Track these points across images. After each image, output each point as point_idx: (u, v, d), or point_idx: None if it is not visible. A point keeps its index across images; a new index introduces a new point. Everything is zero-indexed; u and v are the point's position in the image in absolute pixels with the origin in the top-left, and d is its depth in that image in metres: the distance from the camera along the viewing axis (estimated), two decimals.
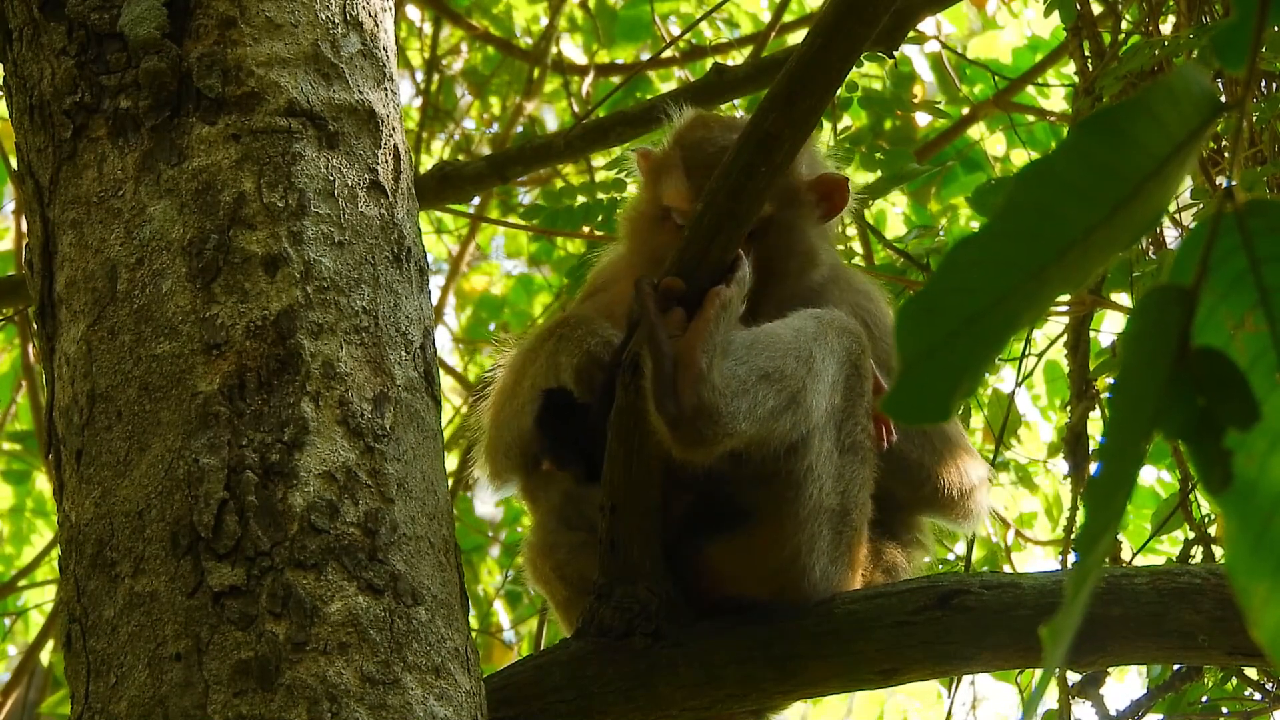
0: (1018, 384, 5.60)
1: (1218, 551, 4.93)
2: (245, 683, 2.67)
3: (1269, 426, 1.40)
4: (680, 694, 3.34)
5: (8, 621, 8.11)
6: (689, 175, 3.54)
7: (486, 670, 3.15)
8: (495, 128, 8.29)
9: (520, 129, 7.88)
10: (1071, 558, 5.26)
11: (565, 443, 3.48)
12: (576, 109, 7.57)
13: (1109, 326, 5.79)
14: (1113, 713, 4.94)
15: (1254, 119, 4.82)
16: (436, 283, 8.18)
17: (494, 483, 3.69)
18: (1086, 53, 5.43)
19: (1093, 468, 5.28)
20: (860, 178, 6.27)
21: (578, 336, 3.44)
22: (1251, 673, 4.79)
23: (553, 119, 8.62)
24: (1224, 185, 1.38)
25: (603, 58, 8.07)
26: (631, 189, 3.84)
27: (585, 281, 3.92)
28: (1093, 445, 5.30)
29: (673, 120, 3.73)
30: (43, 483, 7.99)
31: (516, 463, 3.61)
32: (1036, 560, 6.87)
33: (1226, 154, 4.94)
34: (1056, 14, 5.45)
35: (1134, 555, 5.43)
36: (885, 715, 7.21)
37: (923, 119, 6.79)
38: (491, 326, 8.46)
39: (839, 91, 4.53)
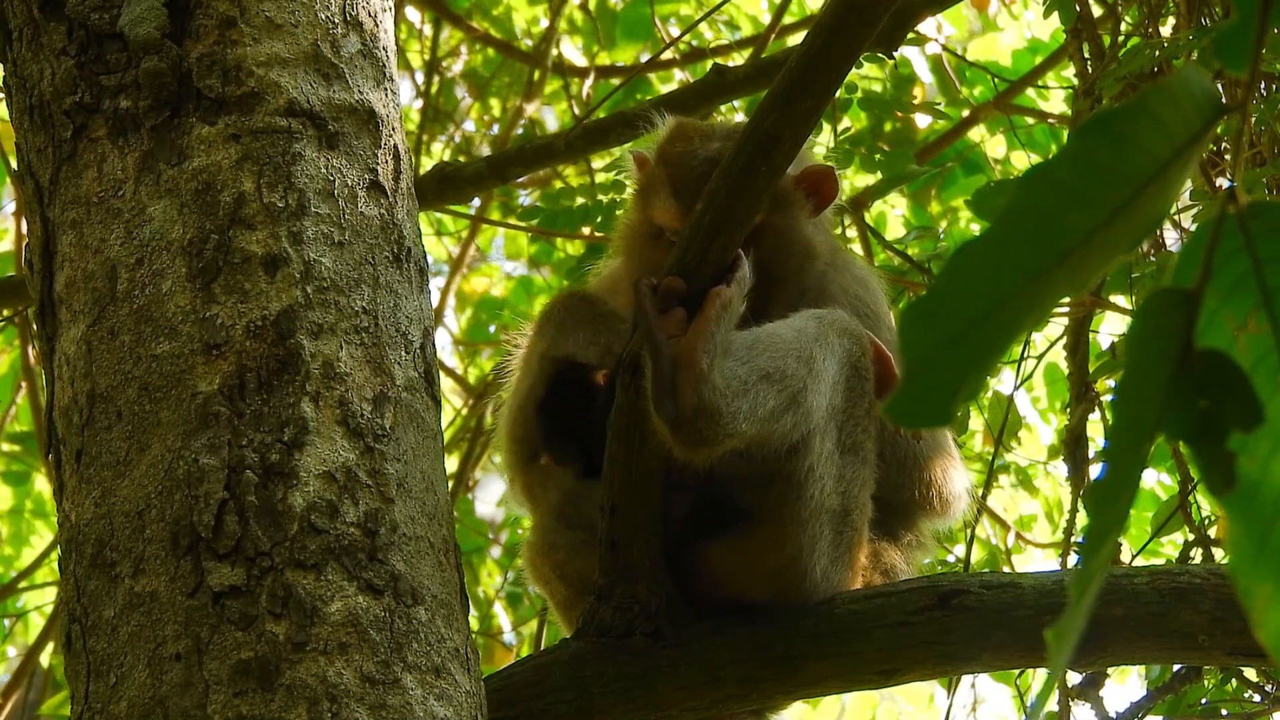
0: (1017, 386, 5.60)
1: (1218, 553, 4.93)
2: (245, 683, 2.67)
3: (1272, 429, 1.40)
4: (680, 694, 3.34)
5: (8, 623, 8.10)
6: (676, 194, 3.54)
7: (487, 671, 3.15)
8: (495, 129, 8.29)
9: (520, 130, 7.87)
10: (1072, 559, 5.26)
11: (564, 436, 3.48)
12: (576, 110, 7.57)
13: (1109, 328, 5.79)
14: (1112, 714, 4.93)
15: (1254, 120, 4.82)
16: (436, 284, 8.18)
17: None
18: (1086, 54, 5.43)
19: (1094, 470, 5.28)
20: (860, 179, 6.28)
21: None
22: (1251, 674, 4.79)
23: (553, 120, 8.61)
24: (1225, 187, 1.38)
25: (603, 59, 8.07)
26: (630, 191, 3.83)
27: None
28: (1092, 447, 5.30)
29: (655, 130, 3.73)
30: (43, 483, 7.98)
31: (521, 452, 3.61)
32: (1036, 562, 6.88)
33: (1227, 155, 4.94)
34: (1056, 16, 5.45)
35: (1134, 556, 5.43)
36: (878, 718, 7.21)
37: (923, 121, 6.79)
38: (492, 328, 8.45)
39: (839, 93, 4.54)
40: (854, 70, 3.66)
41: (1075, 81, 5.63)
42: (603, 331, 3.42)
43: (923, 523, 3.65)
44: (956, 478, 3.63)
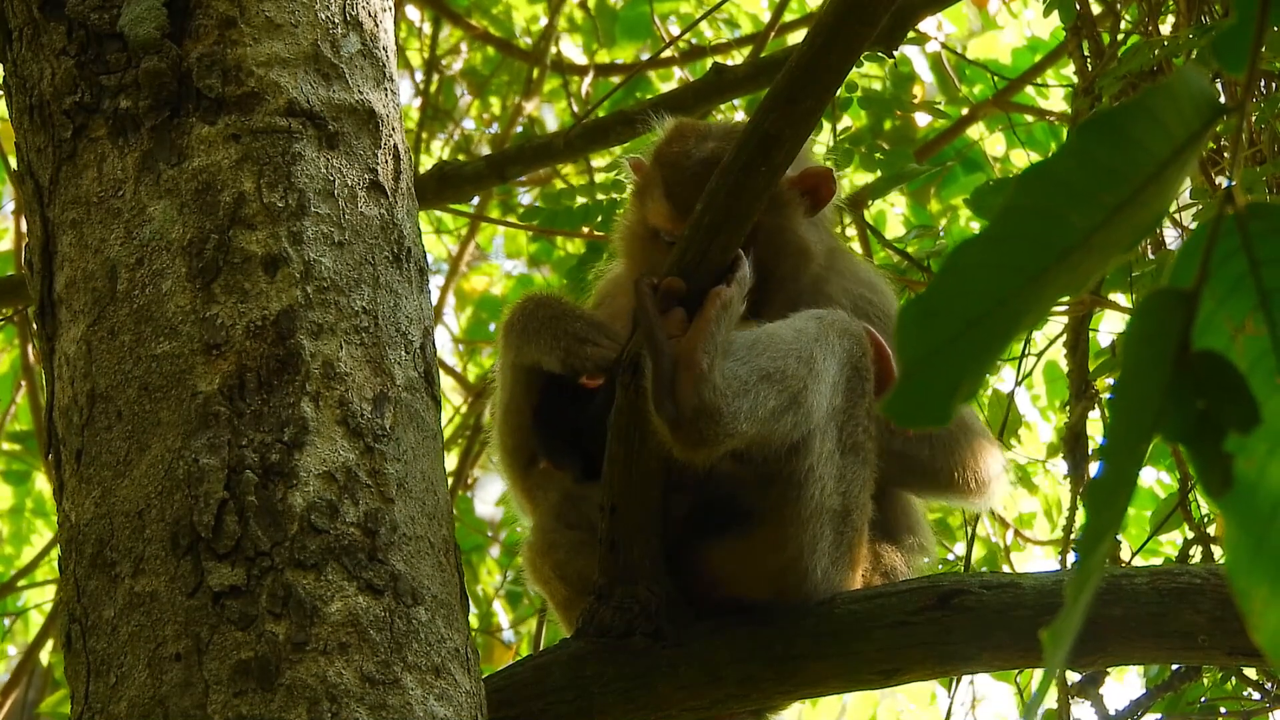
0: (1017, 384, 5.60)
1: (1217, 552, 4.93)
2: (245, 683, 2.67)
3: (1269, 429, 1.40)
4: (680, 694, 3.34)
5: (7, 622, 8.10)
6: (669, 195, 3.54)
7: (486, 670, 3.15)
8: (495, 128, 8.29)
9: (520, 129, 7.87)
10: (1071, 558, 5.26)
11: (561, 441, 3.48)
12: (576, 109, 7.57)
13: (1108, 326, 5.79)
14: (1112, 713, 4.94)
15: (1253, 119, 4.82)
16: (436, 283, 8.18)
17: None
18: (1086, 53, 5.43)
19: (1093, 468, 5.28)
20: (860, 178, 6.28)
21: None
22: (1251, 673, 4.80)
23: (552, 119, 8.61)
24: (1224, 188, 1.38)
25: (602, 58, 8.07)
26: (629, 190, 3.83)
27: (591, 292, 3.93)
28: (1092, 445, 5.30)
29: (655, 130, 3.73)
30: (43, 483, 7.98)
31: (516, 461, 3.62)
32: (1036, 560, 6.88)
33: (1226, 154, 4.94)
34: (1056, 14, 5.45)
35: (1133, 555, 5.43)
36: (879, 717, 7.21)
37: (922, 119, 6.79)
38: (492, 327, 8.45)
39: (839, 91, 4.53)
40: (854, 69, 3.66)
41: (1075, 80, 5.63)
42: (561, 335, 3.43)
43: (958, 504, 3.65)
44: (994, 459, 3.63)
